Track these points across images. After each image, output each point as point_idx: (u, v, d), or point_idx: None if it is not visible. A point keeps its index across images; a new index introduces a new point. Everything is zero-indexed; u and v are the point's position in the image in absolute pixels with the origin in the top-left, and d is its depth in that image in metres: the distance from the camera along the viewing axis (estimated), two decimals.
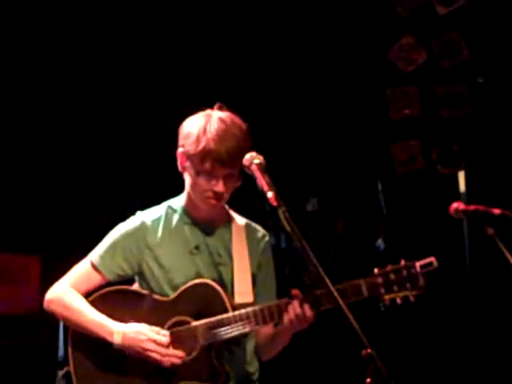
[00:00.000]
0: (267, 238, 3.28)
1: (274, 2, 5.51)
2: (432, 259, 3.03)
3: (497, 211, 3.51)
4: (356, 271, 3.08)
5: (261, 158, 2.86)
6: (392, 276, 3.00)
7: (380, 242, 5.63)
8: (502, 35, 5.48)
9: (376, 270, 3.02)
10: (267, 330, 3.17)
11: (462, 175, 5.60)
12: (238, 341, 3.11)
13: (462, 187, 5.58)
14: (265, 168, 2.83)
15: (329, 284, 2.55)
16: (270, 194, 2.73)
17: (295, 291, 2.99)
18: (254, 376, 3.22)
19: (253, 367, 3.21)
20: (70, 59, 5.45)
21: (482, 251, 5.15)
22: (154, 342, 2.98)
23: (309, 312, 2.95)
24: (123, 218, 3.23)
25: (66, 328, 5.37)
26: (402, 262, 3.02)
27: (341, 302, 2.52)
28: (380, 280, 3.00)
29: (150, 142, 5.51)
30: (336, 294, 2.57)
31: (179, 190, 3.21)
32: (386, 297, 3.01)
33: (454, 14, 5.55)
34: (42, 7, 5.33)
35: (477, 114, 5.57)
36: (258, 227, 3.29)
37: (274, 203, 2.71)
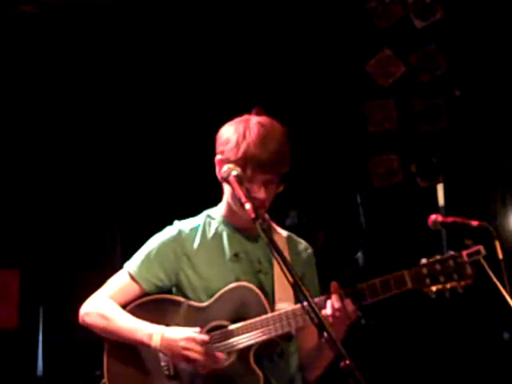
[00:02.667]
0: (310, 251, 3.22)
1: (249, 16, 5.52)
2: (480, 247, 2.93)
3: (475, 223, 3.53)
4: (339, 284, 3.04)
5: (238, 169, 2.86)
6: (438, 266, 2.89)
7: (359, 255, 5.63)
8: (478, 49, 5.52)
9: (423, 260, 2.92)
10: (311, 342, 3.07)
11: (440, 188, 5.62)
12: (280, 349, 3.02)
13: (441, 200, 5.60)
14: (242, 180, 2.82)
15: (307, 296, 2.52)
16: (247, 206, 2.72)
17: (334, 285, 2.89)
18: None
19: None
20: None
21: None
22: (194, 340, 2.91)
23: (350, 306, 2.85)
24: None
25: (45, 343, 5.37)
26: (450, 253, 2.92)
27: (318, 313, 2.48)
28: (425, 270, 2.89)
29: (132, 172, 5.50)
30: (315, 308, 2.50)
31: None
32: (433, 288, 2.89)
33: (431, 28, 5.59)
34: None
35: (454, 127, 5.60)
36: (301, 240, 3.24)
37: (252, 215, 2.69)
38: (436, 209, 5.50)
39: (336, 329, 2.76)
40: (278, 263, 2.60)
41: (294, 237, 3.23)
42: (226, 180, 2.85)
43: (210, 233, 3.12)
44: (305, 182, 5.75)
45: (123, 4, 5.36)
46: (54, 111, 5.51)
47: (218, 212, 3.17)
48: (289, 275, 2.55)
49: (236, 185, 2.80)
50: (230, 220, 3.12)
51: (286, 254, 3.03)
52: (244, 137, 2.94)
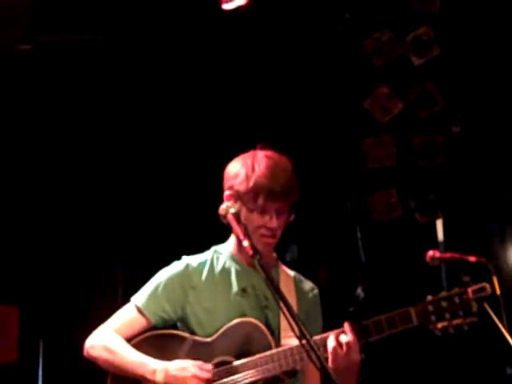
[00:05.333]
0: (316, 291, 3.25)
1: (248, 56, 5.57)
2: (485, 284, 2.96)
3: (472, 259, 3.55)
4: (336, 321, 3.04)
5: (236, 207, 2.89)
6: (444, 303, 2.92)
7: (359, 291, 5.63)
8: (476, 85, 5.56)
9: (428, 297, 2.94)
10: (314, 381, 3.07)
11: (439, 224, 5.64)
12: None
13: (440, 235, 5.61)
14: (240, 217, 2.85)
15: (304, 332, 2.53)
16: (245, 243, 2.75)
17: (347, 324, 2.90)
18: None
19: None
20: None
21: None
22: (197, 377, 2.92)
23: (353, 341, 2.86)
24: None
25: (44, 378, 5.35)
26: (455, 289, 2.95)
27: (319, 354, 2.49)
28: (431, 307, 2.92)
29: (134, 207, 5.51)
30: (314, 347, 2.52)
31: (166, 257, 3.21)
32: (439, 325, 2.91)
33: (428, 65, 5.64)
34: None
35: (453, 163, 5.62)
36: (307, 280, 3.27)
37: (250, 252, 2.72)
38: (435, 244, 5.51)
39: (343, 372, 2.80)
40: (275, 299, 2.62)
41: (301, 277, 3.27)
42: (224, 218, 2.88)
43: (218, 267, 3.15)
44: (305, 217, 5.76)
45: (122, 39, 5.42)
46: (52, 142, 5.54)
47: (226, 248, 3.21)
48: (286, 312, 2.57)
49: (234, 222, 2.83)
50: (238, 256, 3.16)
51: (293, 293, 3.11)
52: (253, 169, 3.02)
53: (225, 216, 2.88)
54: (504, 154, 5.52)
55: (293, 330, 2.58)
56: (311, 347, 2.52)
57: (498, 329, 3.32)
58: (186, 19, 5.39)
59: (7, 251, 5.38)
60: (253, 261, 2.98)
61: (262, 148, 3.12)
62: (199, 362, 2.95)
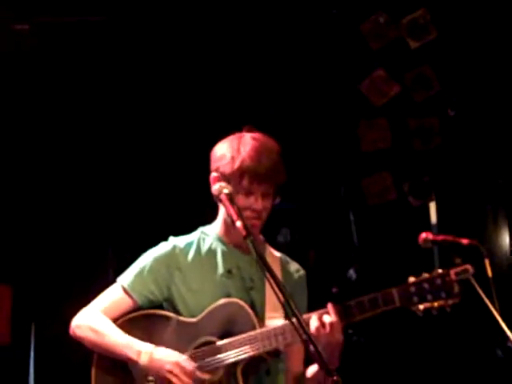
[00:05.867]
0: (302, 273, 3.25)
1: (243, 36, 5.57)
2: (467, 266, 2.97)
3: (465, 241, 3.57)
4: (327, 301, 3.07)
5: (230, 188, 2.90)
6: (426, 285, 2.92)
7: (352, 272, 5.65)
8: (472, 68, 5.56)
9: (410, 279, 2.95)
10: (297, 368, 3.11)
11: (433, 206, 5.65)
12: (267, 366, 3.04)
13: (434, 218, 5.63)
14: (233, 198, 2.86)
15: (296, 311, 2.55)
16: (238, 224, 2.75)
17: (330, 305, 2.92)
18: None
19: None
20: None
21: None
22: (180, 366, 2.92)
23: (336, 321, 2.87)
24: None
25: (36, 360, 5.36)
26: (438, 271, 2.95)
27: (306, 330, 2.51)
28: (413, 289, 2.92)
29: (125, 190, 5.51)
30: (303, 324, 2.54)
31: (157, 240, 3.21)
32: (421, 306, 2.92)
33: (425, 48, 5.64)
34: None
35: (448, 146, 5.63)
36: (293, 261, 3.27)
37: (243, 233, 2.73)
38: (429, 227, 5.53)
39: (326, 351, 2.77)
40: (268, 279, 2.64)
41: (287, 258, 3.27)
42: (218, 198, 2.89)
43: (204, 248, 3.16)
44: (298, 199, 5.78)
45: (115, 22, 5.40)
46: (46, 133, 5.53)
47: (212, 229, 3.20)
48: (278, 291, 2.59)
49: (227, 203, 2.84)
50: (225, 237, 3.15)
51: (279, 274, 3.08)
52: (239, 151, 3.01)
53: (218, 196, 2.88)
54: (499, 137, 5.54)
55: (286, 309, 2.58)
56: (300, 324, 2.53)
57: (489, 310, 3.34)
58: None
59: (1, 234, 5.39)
60: (239, 242, 3.06)
61: (249, 130, 3.12)
62: (183, 358, 2.95)
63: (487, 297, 3.40)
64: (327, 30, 5.64)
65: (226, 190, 2.87)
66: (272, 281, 2.61)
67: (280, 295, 2.59)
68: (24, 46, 5.34)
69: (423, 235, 3.61)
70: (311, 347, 2.54)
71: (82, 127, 5.50)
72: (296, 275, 3.22)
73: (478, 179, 5.57)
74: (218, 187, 2.89)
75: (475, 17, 5.51)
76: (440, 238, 3.61)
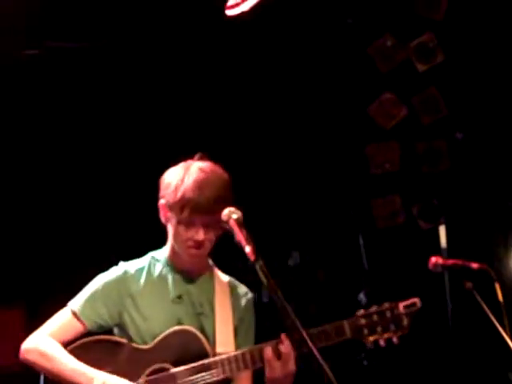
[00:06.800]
0: (250, 296, 3.29)
1: (249, 57, 5.59)
2: (415, 300, 3.04)
3: (475, 265, 3.57)
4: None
5: (239, 213, 2.88)
6: (375, 317, 3.01)
7: (362, 296, 5.63)
8: (479, 91, 5.57)
9: (360, 312, 3.03)
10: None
11: (442, 230, 5.63)
12: None
13: (443, 242, 5.61)
14: (242, 223, 2.85)
15: (304, 334, 2.55)
16: (247, 249, 2.74)
17: (283, 335, 2.98)
18: None
19: None
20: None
21: (464, 305, 5.16)
22: None
23: (289, 352, 2.93)
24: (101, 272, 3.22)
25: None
26: (386, 304, 3.04)
27: (314, 350, 2.51)
28: (363, 321, 3.01)
29: (127, 198, 5.52)
30: (310, 342, 2.56)
31: (156, 246, 3.24)
32: (370, 338, 3.01)
33: (432, 71, 5.65)
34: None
35: (456, 169, 5.63)
36: (241, 285, 3.31)
37: (252, 257, 2.72)
38: (438, 250, 5.50)
39: (280, 382, 2.93)
40: (278, 305, 2.62)
41: (235, 282, 3.30)
42: (226, 223, 2.89)
43: (155, 274, 3.18)
44: (308, 222, 5.78)
45: (128, 46, 5.44)
46: (53, 141, 5.57)
47: (162, 254, 3.23)
48: (288, 319, 2.59)
49: (236, 228, 2.82)
50: (174, 263, 3.18)
51: (228, 298, 3.17)
52: (183, 181, 3.04)
53: (227, 221, 2.88)
54: (507, 160, 5.53)
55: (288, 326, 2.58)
56: (303, 339, 2.57)
57: (500, 335, 3.33)
58: (191, 27, 5.41)
59: (11, 253, 5.40)
60: (188, 267, 3.14)
61: (200, 158, 3.15)
62: None
63: (498, 321, 3.38)
64: (336, 53, 5.66)
65: (234, 216, 2.86)
66: (281, 305, 2.61)
67: (295, 319, 2.58)
68: (34, 71, 5.38)
69: (433, 259, 3.62)
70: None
71: (81, 148, 5.53)
72: (244, 299, 3.26)
73: (487, 202, 5.55)
74: (227, 212, 2.88)
75: (482, 40, 5.52)
76: (450, 262, 3.61)
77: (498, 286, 3.50)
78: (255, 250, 2.74)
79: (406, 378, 5.43)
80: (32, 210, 5.51)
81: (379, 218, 5.67)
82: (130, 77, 5.51)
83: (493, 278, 3.51)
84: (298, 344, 2.92)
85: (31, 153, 5.51)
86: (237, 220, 2.85)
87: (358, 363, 5.48)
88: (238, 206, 2.91)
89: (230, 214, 2.87)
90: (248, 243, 2.76)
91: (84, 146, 5.55)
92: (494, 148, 5.57)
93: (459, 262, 3.58)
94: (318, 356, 2.53)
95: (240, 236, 2.80)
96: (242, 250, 2.78)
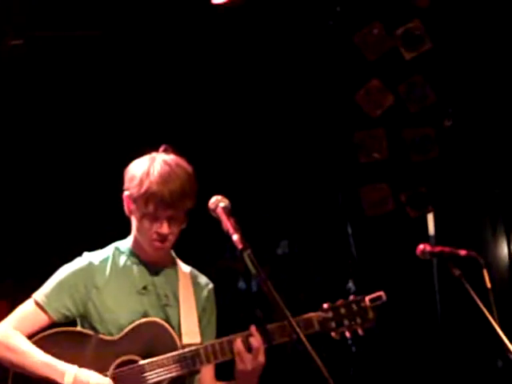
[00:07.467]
0: (211, 286, 3.31)
1: (235, 46, 5.56)
2: (381, 293, 3.08)
3: (463, 252, 3.57)
4: None
5: (226, 201, 2.90)
6: (342, 310, 3.06)
7: (350, 285, 5.65)
8: (467, 79, 5.56)
9: (326, 305, 3.07)
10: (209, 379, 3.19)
11: (431, 217, 5.64)
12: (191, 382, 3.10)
13: (431, 229, 5.62)
14: (230, 211, 2.85)
15: (293, 323, 2.56)
16: (235, 237, 2.76)
17: (252, 327, 3.01)
18: None
19: None
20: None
21: (452, 292, 5.18)
22: None
23: (259, 345, 2.96)
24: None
25: None
26: (352, 297, 3.09)
27: (304, 339, 2.52)
28: (331, 314, 3.06)
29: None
30: (300, 332, 2.59)
31: (119, 237, 3.24)
32: (338, 330, 3.06)
33: (420, 59, 5.64)
34: None
35: (445, 157, 5.63)
36: (202, 275, 3.32)
37: (239, 246, 2.73)
38: (426, 238, 5.51)
39: (249, 374, 2.96)
40: (267, 293, 2.63)
41: (196, 272, 3.31)
42: (214, 211, 2.88)
43: (120, 265, 3.17)
44: (296, 211, 5.77)
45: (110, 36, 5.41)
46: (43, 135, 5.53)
47: (126, 245, 3.22)
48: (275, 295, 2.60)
49: (223, 216, 2.84)
50: (138, 253, 3.18)
51: (191, 289, 3.19)
52: (147, 175, 3.03)
53: (214, 210, 2.88)
54: (495, 147, 5.53)
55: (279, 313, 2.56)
56: (292, 327, 2.61)
57: (488, 321, 3.34)
58: (179, 18, 5.39)
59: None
60: (152, 258, 3.14)
61: (164, 150, 3.14)
62: (107, 381, 2.96)
63: (486, 307, 3.39)
64: (322, 41, 5.64)
65: (222, 204, 2.87)
66: (270, 293, 2.61)
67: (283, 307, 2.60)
68: (19, 61, 5.35)
69: (421, 247, 3.62)
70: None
71: (73, 142, 5.49)
72: (205, 290, 3.28)
73: (475, 189, 5.56)
74: (214, 201, 2.89)
75: (470, 27, 5.52)
76: (438, 249, 3.61)
77: (486, 273, 3.51)
78: (243, 239, 2.74)
79: (395, 365, 5.44)
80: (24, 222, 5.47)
81: (367, 206, 5.67)
82: (110, 67, 5.47)
83: (481, 265, 3.52)
84: (267, 337, 2.97)
85: (13, 143, 5.46)
86: (224, 208, 2.86)
87: (346, 349, 5.49)
88: (225, 196, 2.92)
89: (218, 202, 2.88)
90: (235, 231, 2.77)
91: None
92: (482, 135, 5.57)
93: (447, 249, 3.58)
94: (306, 343, 2.54)
95: (227, 224, 2.81)
96: (229, 238, 2.78)
